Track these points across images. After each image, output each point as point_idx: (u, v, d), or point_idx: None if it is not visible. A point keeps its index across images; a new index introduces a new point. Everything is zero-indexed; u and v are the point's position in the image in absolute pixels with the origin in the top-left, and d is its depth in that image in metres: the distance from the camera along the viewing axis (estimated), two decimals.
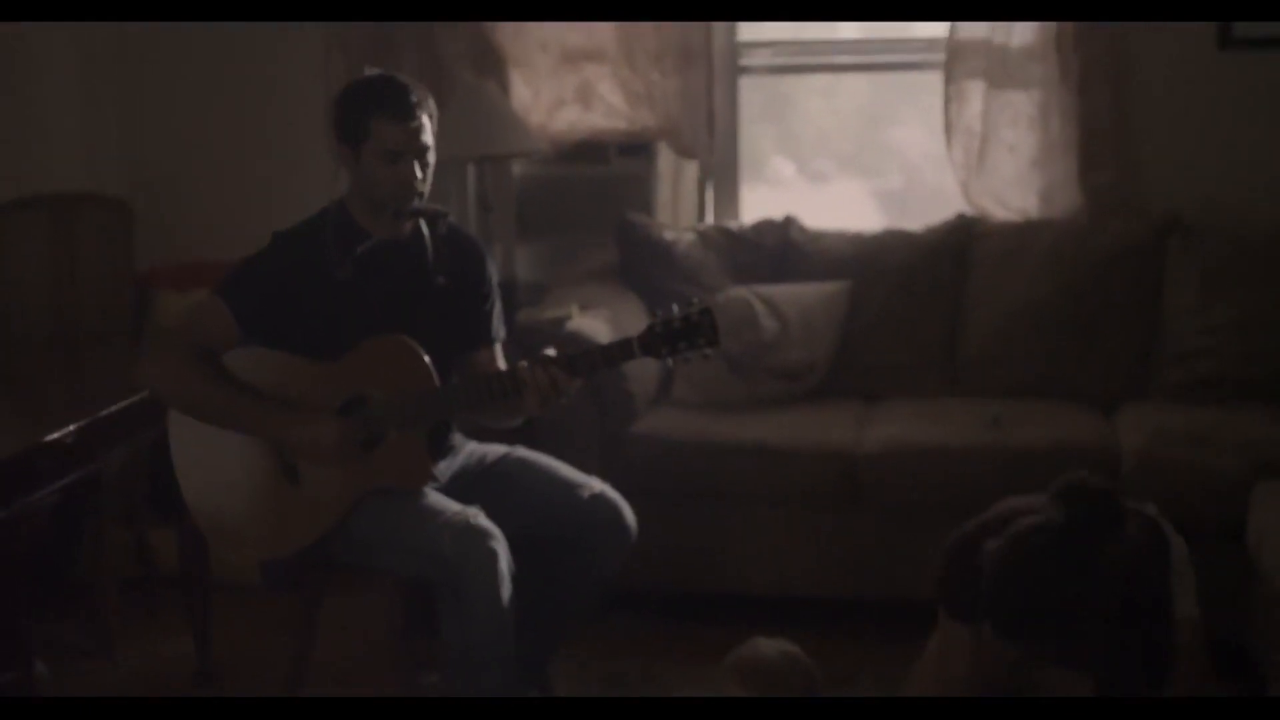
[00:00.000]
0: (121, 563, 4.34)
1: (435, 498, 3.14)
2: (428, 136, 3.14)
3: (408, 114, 3.10)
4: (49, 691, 3.60)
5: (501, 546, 3.01)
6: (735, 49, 5.05)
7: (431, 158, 3.17)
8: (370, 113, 3.10)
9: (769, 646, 2.89)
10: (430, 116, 3.15)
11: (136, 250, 4.77)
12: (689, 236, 4.77)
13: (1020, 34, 4.68)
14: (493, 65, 4.90)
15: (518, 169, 5.08)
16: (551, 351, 3.08)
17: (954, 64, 4.75)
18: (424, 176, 3.15)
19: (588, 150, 5.06)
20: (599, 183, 5.15)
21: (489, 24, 4.87)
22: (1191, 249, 4.47)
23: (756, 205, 5.13)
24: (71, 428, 3.31)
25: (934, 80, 4.87)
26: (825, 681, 3.06)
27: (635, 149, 5.07)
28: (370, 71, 3.41)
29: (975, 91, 4.76)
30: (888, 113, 5.51)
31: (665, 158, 5.05)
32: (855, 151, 5.65)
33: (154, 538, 4.53)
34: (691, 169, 5.08)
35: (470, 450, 3.40)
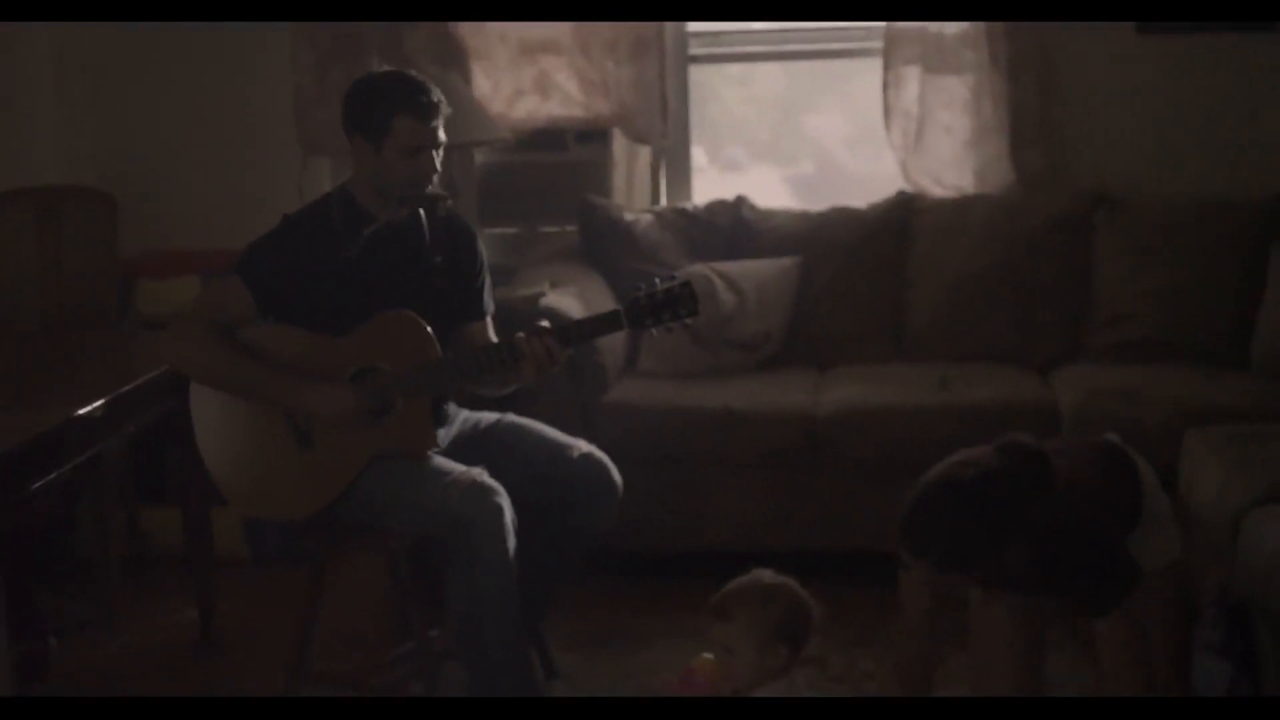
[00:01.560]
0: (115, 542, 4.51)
1: (441, 460, 3.35)
2: (443, 132, 3.36)
3: (429, 113, 3.30)
4: (59, 663, 3.80)
5: (505, 502, 3.24)
6: (685, 39, 5.24)
7: (443, 150, 3.39)
8: (393, 111, 3.29)
9: (768, 574, 3.08)
10: (445, 111, 3.36)
11: (120, 240, 4.89)
12: (647, 217, 4.97)
13: (954, 23, 4.91)
14: (454, 58, 5.05)
15: (480, 156, 5.25)
16: (545, 323, 3.32)
17: (892, 51, 4.96)
18: (438, 167, 3.37)
19: (546, 137, 5.23)
20: (557, 168, 5.32)
21: None
22: (1117, 221, 4.73)
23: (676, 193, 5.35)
24: (81, 412, 3.42)
25: (856, 67, 5.07)
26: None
27: (591, 135, 5.24)
28: (382, 68, 3.60)
29: (912, 77, 4.97)
30: (804, 100, 5.72)
31: (619, 143, 5.21)
32: (770, 139, 5.86)
33: (144, 518, 4.73)
34: (645, 153, 5.24)
35: (465, 418, 3.62)
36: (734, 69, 5.68)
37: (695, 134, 5.42)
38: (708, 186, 5.30)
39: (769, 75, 5.81)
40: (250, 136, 5.22)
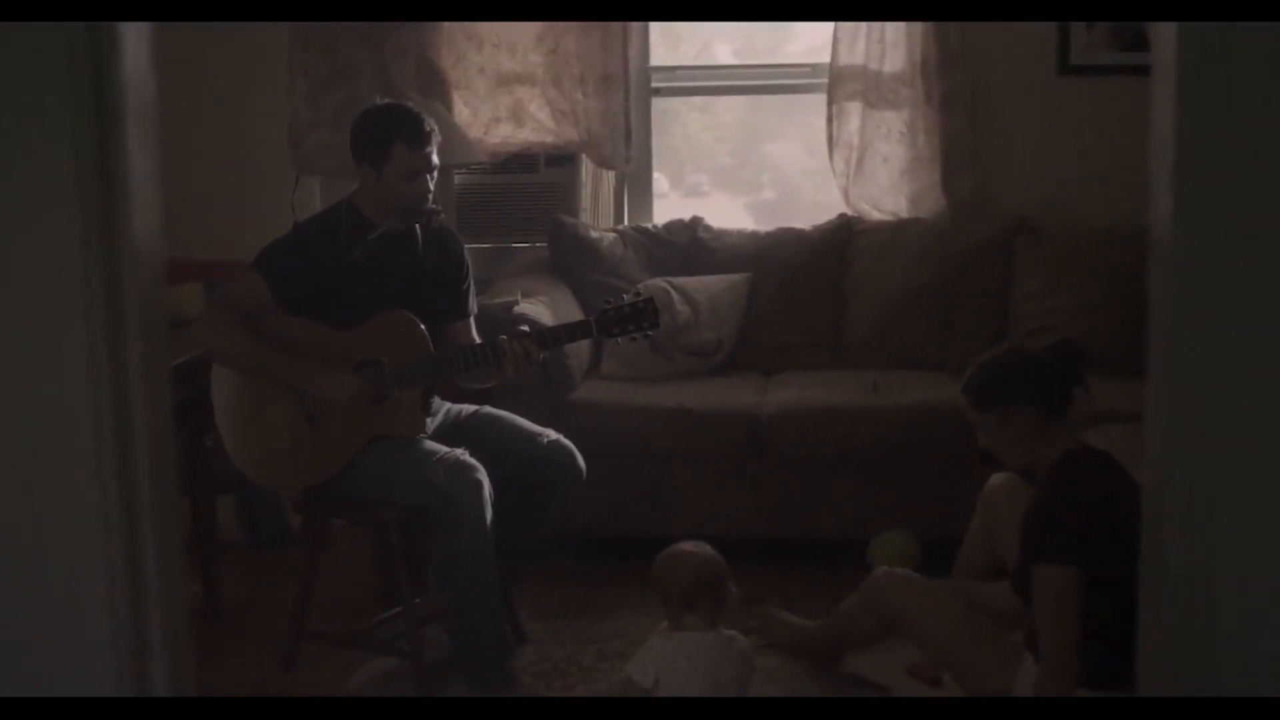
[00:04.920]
0: None
1: (429, 443, 3.80)
2: (436, 157, 3.81)
3: (424, 141, 3.76)
4: None
5: (484, 477, 3.68)
6: (648, 74, 5.68)
7: (437, 171, 3.84)
8: (392, 140, 3.74)
9: (686, 544, 3.50)
10: (437, 138, 3.81)
11: None
12: (611, 235, 5.38)
13: (892, 62, 5.33)
14: (437, 87, 5.44)
15: (459, 177, 5.61)
16: (525, 328, 3.79)
17: (835, 87, 5.38)
18: (432, 187, 3.82)
19: (519, 161, 5.60)
20: (529, 189, 5.68)
21: (433, 51, 5.42)
22: (1035, 244, 5.17)
23: (638, 214, 5.73)
24: None
25: (810, 101, 5.50)
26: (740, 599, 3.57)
27: (561, 160, 5.61)
28: (381, 100, 4.05)
29: (854, 111, 5.39)
30: (764, 129, 6.11)
31: (587, 167, 5.60)
32: (733, 166, 6.25)
33: None
34: (609, 177, 5.64)
35: (447, 409, 4.07)
36: (697, 99, 6.07)
37: (659, 161, 5.79)
38: (671, 212, 5.67)
39: (731, 103, 6.19)
40: (248, 157, 5.59)
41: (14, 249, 1.57)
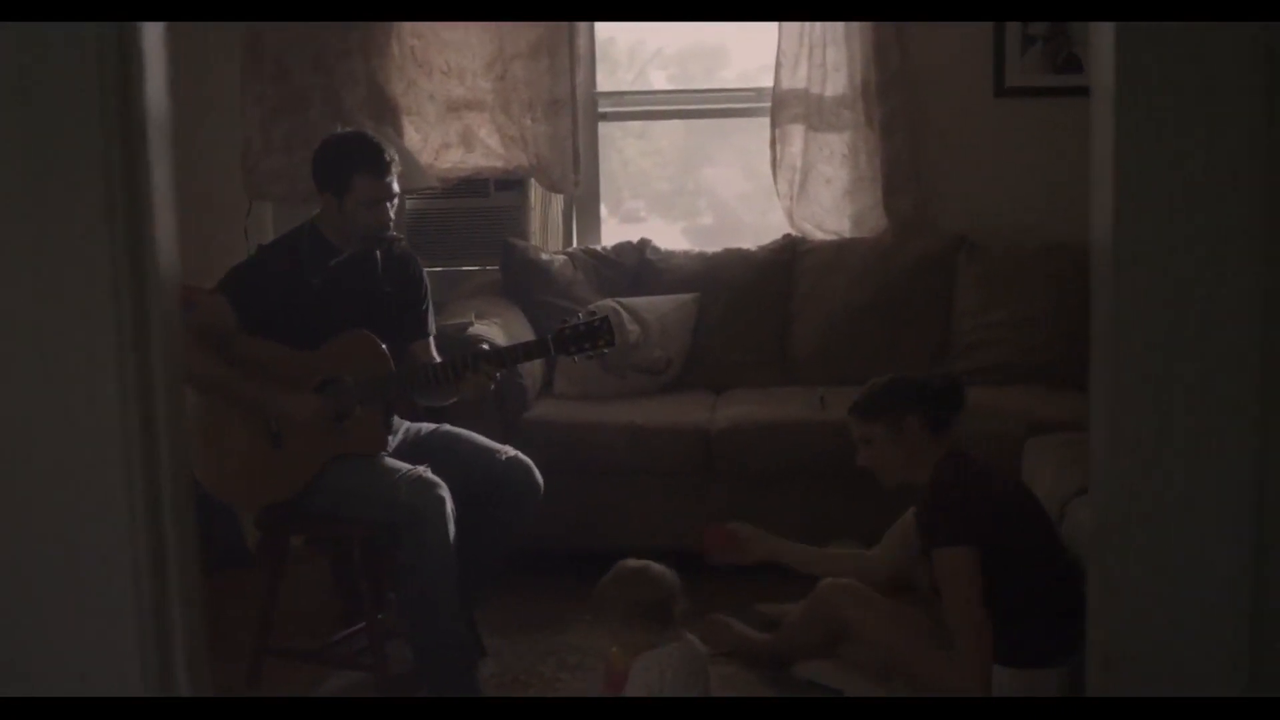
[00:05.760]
0: None
1: (391, 460, 3.88)
2: (396, 185, 3.90)
3: (384, 170, 3.84)
4: None
5: (447, 494, 3.75)
6: (594, 99, 5.78)
7: (397, 200, 3.92)
8: (353, 170, 3.82)
9: (631, 562, 3.54)
10: (397, 167, 3.90)
11: None
12: (561, 257, 5.48)
13: (833, 86, 5.45)
14: (388, 113, 5.53)
15: (410, 203, 5.67)
16: (485, 347, 3.88)
17: (778, 111, 5.50)
18: (393, 214, 3.91)
19: (469, 185, 5.69)
20: (480, 213, 5.76)
21: (384, 78, 5.50)
22: (975, 261, 5.30)
23: (587, 236, 5.82)
24: None
25: (747, 125, 5.61)
26: (689, 612, 3.61)
27: (510, 184, 5.70)
28: (342, 129, 4.14)
29: (796, 134, 5.51)
30: (701, 154, 6.22)
31: (536, 191, 5.69)
32: (670, 192, 6.36)
33: None
34: (558, 200, 5.74)
35: (407, 427, 4.14)
36: (634, 124, 6.19)
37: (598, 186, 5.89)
38: (610, 238, 5.77)
39: (668, 129, 6.29)
40: (201, 183, 5.51)
41: (46, 261, 1.66)
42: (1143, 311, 1.81)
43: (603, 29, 5.80)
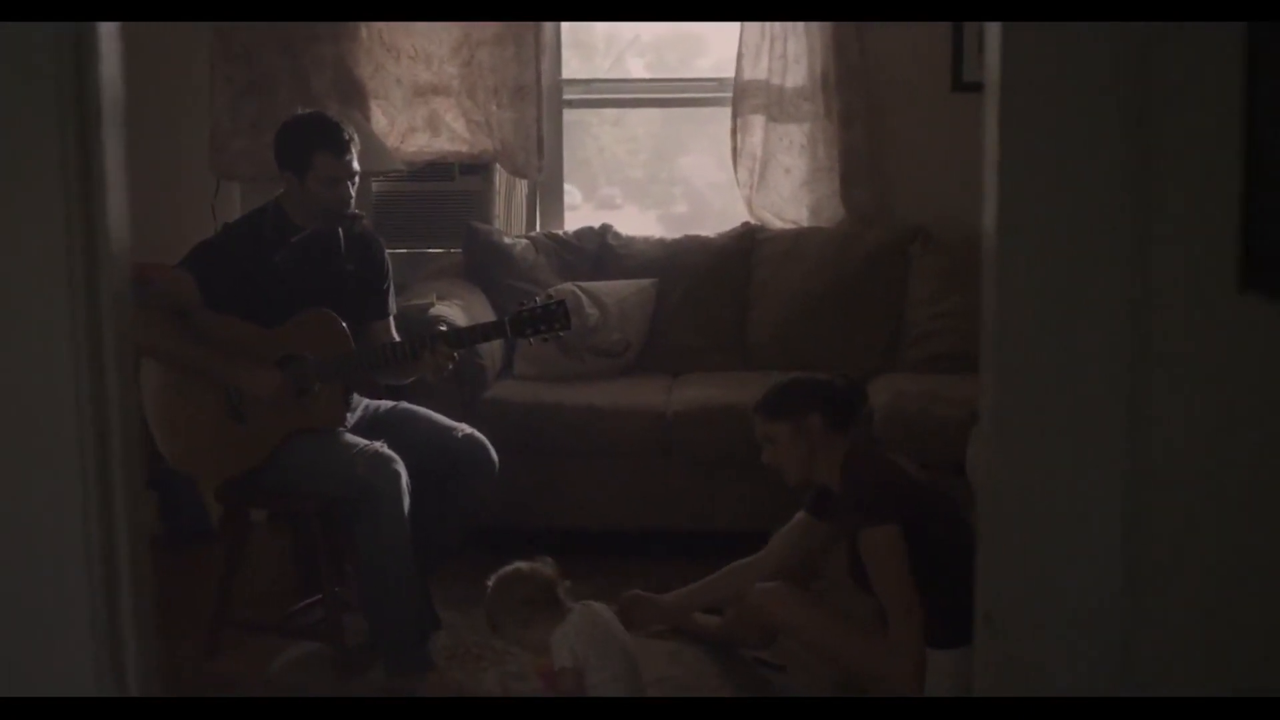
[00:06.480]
0: None
1: (349, 435, 3.96)
2: (356, 164, 3.98)
3: (343, 149, 3.92)
4: None
5: (402, 469, 3.84)
6: (560, 87, 5.85)
7: (358, 178, 4.00)
8: (313, 149, 3.90)
9: (503, 569, 3.68)
10: (356, 146, 3.98)
11: None
12: (523, 241, 5.55)
13: (794, 77, 5.54)
14: (355, 97, 5.59)
15: (376, 185, 5.73)
16: (443, 328, 3.96)
17: (740, 101, 5.58)
18: (353, 193, 3.99)
19: (435, 169, 5.74)
20: (444, 196, 5.81)
21: (351, 62, 5.57)
22: (930, 252, 5.39)
23: (550, 221, 5.90)
24: None
25: (720, 114, 5.69)
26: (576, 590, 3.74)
27: (475, 168, 5.75)
28: (304, 111, 4.21)
29: (757, 124, 5.59)
30: (675, 143, 6.29)
31: (500, 176, 5.75)
32: (644, 180, 6.43)
33: None
34: (522, 185, 5.81)
35: (366, 404, 4.22)
36: (610, 111, 6.25)
37: (572, 173, 5.94)
38: (584, 224, 5.77)
39: (644, 117, 6.36)
40: (169, 163, 5.66)
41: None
42: (1022, 300, 1.91)
43: None
